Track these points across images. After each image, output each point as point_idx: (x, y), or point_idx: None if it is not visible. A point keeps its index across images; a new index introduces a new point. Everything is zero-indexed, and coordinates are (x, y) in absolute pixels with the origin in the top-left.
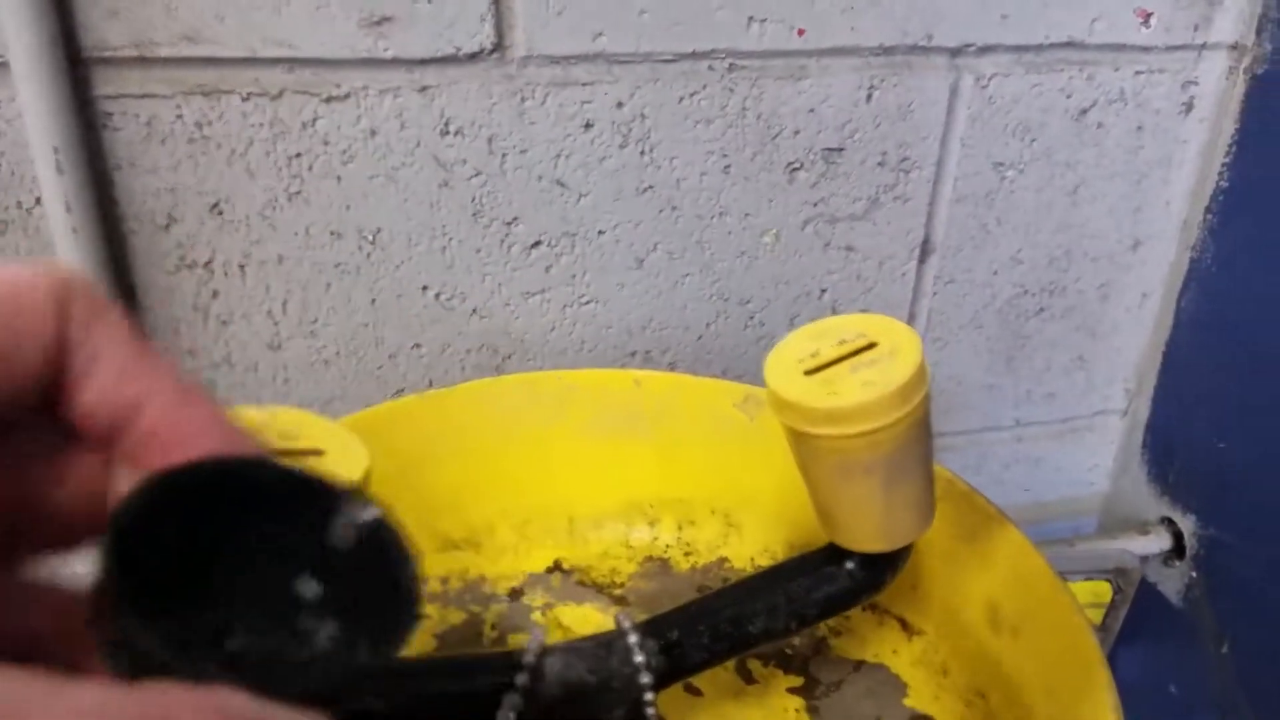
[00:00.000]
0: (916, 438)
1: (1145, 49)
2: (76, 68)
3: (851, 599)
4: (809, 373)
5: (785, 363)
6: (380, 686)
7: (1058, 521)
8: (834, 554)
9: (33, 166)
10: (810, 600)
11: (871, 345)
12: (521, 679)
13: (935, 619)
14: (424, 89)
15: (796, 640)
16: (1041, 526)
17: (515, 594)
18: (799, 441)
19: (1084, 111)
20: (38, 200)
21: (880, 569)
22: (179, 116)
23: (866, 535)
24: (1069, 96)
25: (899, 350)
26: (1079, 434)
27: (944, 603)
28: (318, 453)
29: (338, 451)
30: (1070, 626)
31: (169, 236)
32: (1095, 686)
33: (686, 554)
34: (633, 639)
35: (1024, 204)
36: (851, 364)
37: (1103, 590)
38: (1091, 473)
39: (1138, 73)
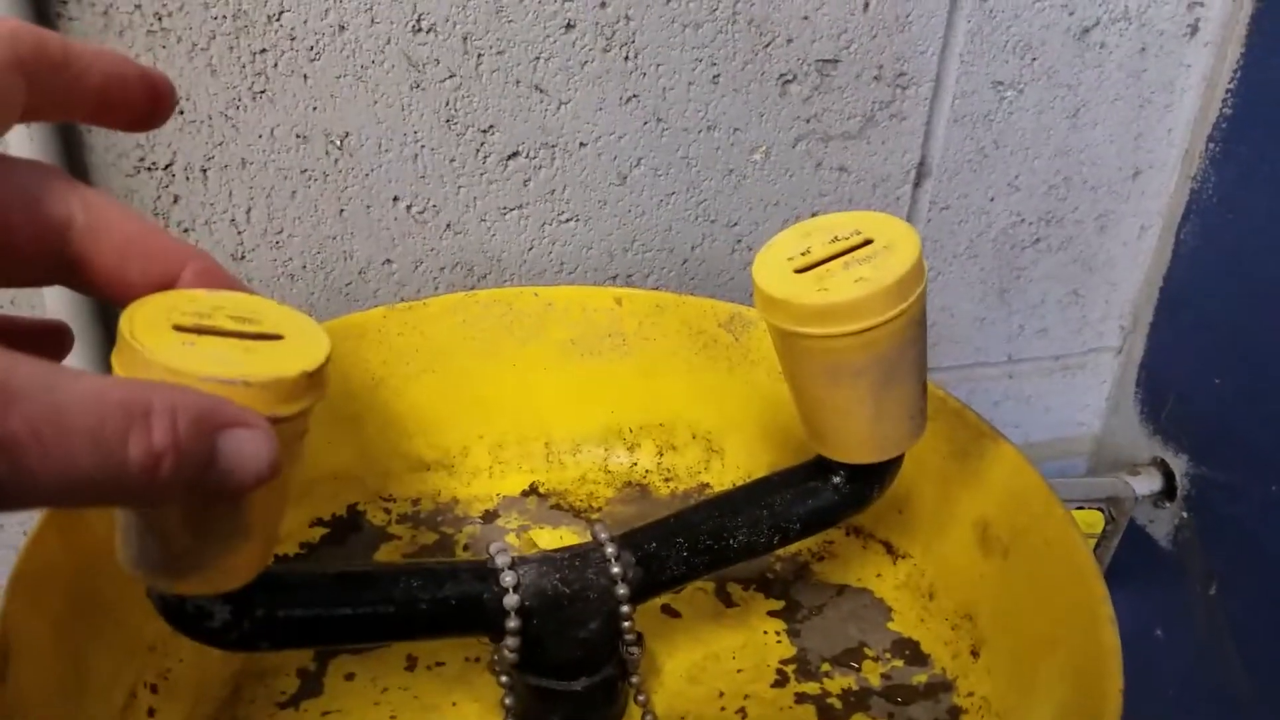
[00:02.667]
0: (911, 339)
1: None
2: None
3: (837, 514)
4: (800, 271)
5: (775, 261)
6: (347, 594)
7: (1046, 462)
8: (820, 467)
9: None
10: (793, 514)
11: (867, 242)
12: (492, 589)
13: (922, 542)
14: None
15: (777, 565)
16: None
17: (489, 516)
18: (787, 343)
19: (1086, 30)
20: None
21: (868, 482)
22: (137, 6)
23: (855, 444)
24: (1071, 14)
25: (895, 245)
26: (1071, 372)
27: (932, 524)
28: (277, 337)
29: (297, 337)
30: (1065, 541)
31: (127, 136)
32: (1093, 600)
33: (666, 479)
34: (609, 550)
35: (1023, 126)
36: (845, 261)
37: (1094, 520)
38: (1083, 412)
39: None
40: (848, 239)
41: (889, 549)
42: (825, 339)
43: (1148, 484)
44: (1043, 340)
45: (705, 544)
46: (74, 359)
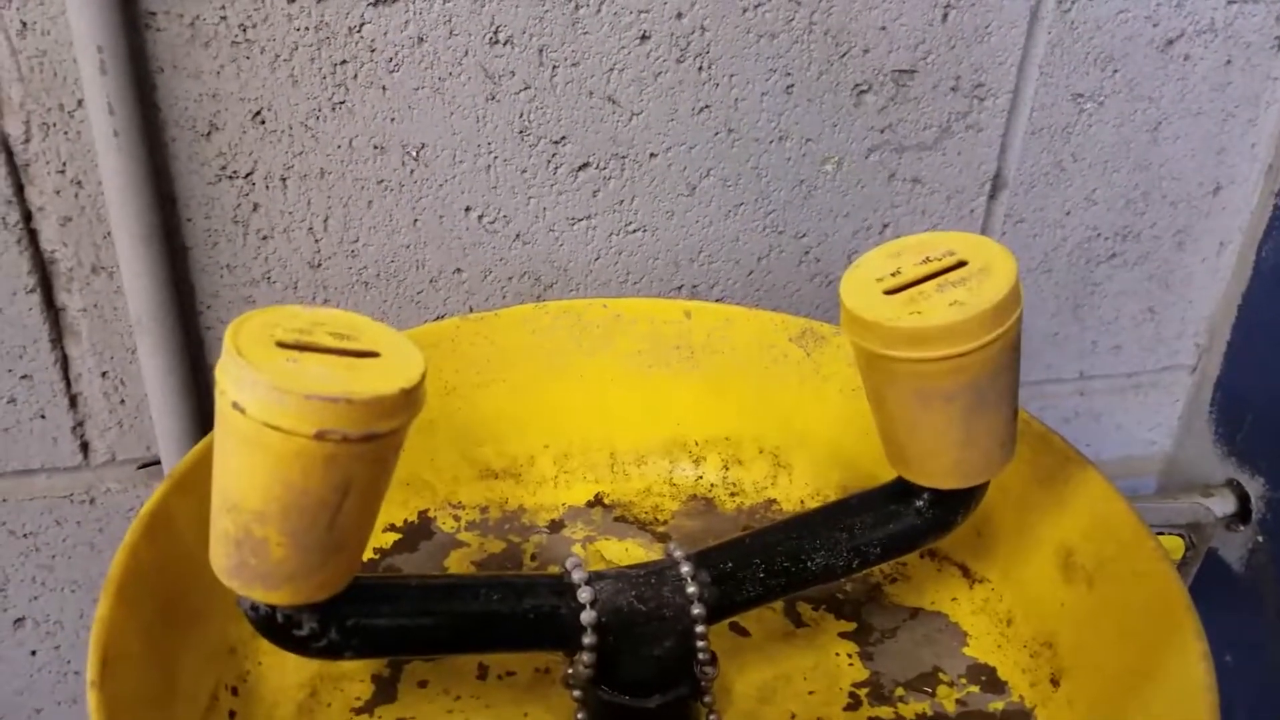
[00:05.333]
0: (1004, 365)
1: None
2: None
3: (919, 539)
4: (890, 292)
5: (863, 281)
6: (428, 605)
7: (1116, 481)
8: (902, 490)
9: (75, 67)
10: (874, 538)
11: (961, 264)
12: (569, 604)
13: (1000, 566)
14: None
15: (849, 586)
16: None
17: (555, 526)
18: (874, 366)
19: (1170, 42)
20: (79, 103)
21: (952, 507)
22: (223, 18)
23: (941, 469)
24: (1155, 25)
25: (991, 268)
26: (1144, 390)
27: (1011, 549)
28: (374, 354)
29: (393, 353)
30: (1155, 573)
31: (210, 145)
32: (1183, 634)
33: (732, 494)
34: (685, 568)
35: (1102, 139)
36: (938, 283)
37: (1175, 546)
38: (1154, 431)
39: (1230, 2)
40: (940, 260)
41: (965, 572)
42: (917, 363)
43: (1221, 506)
44: (1116, 357)
45: (782, 565)
46: (155, 357)
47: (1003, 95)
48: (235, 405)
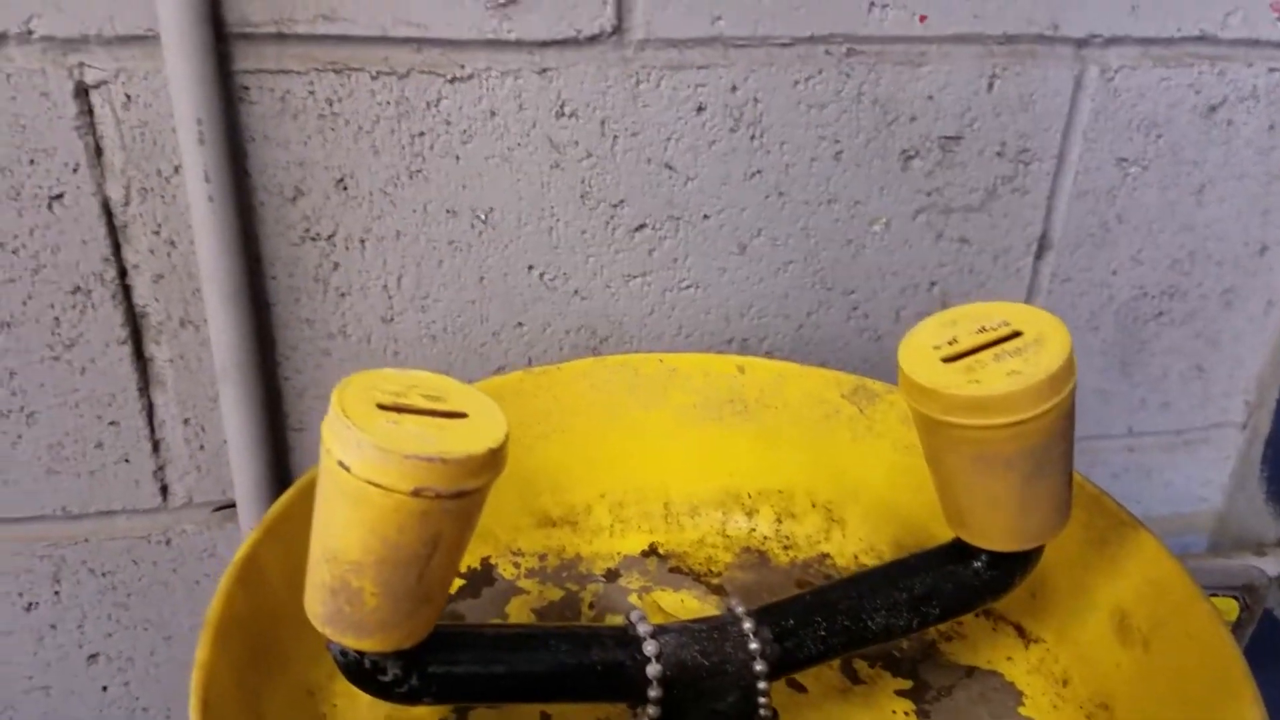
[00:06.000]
0: (1061, 432)
1: None
2: (220, 43)
3: (976, 599)
4: (947, 360)
5: (920, 349)
6: (502, 654)
7: (1166, 539)
8: (961, 551)
9: (174, 136)
10: (932, 598)
11: (1016, 334)
12: (634, 656)
13: (1055, 626)
14: (543, 71)
15: (904, 643)
16: None
17: (611, 575)
18: (933, 431)
19: (1213, 108)
20: (176, 169)
21: (1010, 569)
22: (311, 93)
23: (999, 532)
24: (1198, 92)
25: (1046, 339)
26: (1193, 446)
27: (1066, 610)
28: (462, 415)
29: (479, 414)
30: (1210, 637)
31: (296, 209)
32: (1239, 701)
33: (785, 547)
34: (747, 624)
35: (1147, 202)
36: (994, 352)
37: (1229, 608)
38: (1205, 488)
39: (1272, 69)
40: (996, 330)
41: (1021, 632)
42: (976, 429)
43: (1275, 566)
44: (1164, 414)
45: (843, 624)
46: (236, 405)
47: (1048, 160)
48: (340, 463)
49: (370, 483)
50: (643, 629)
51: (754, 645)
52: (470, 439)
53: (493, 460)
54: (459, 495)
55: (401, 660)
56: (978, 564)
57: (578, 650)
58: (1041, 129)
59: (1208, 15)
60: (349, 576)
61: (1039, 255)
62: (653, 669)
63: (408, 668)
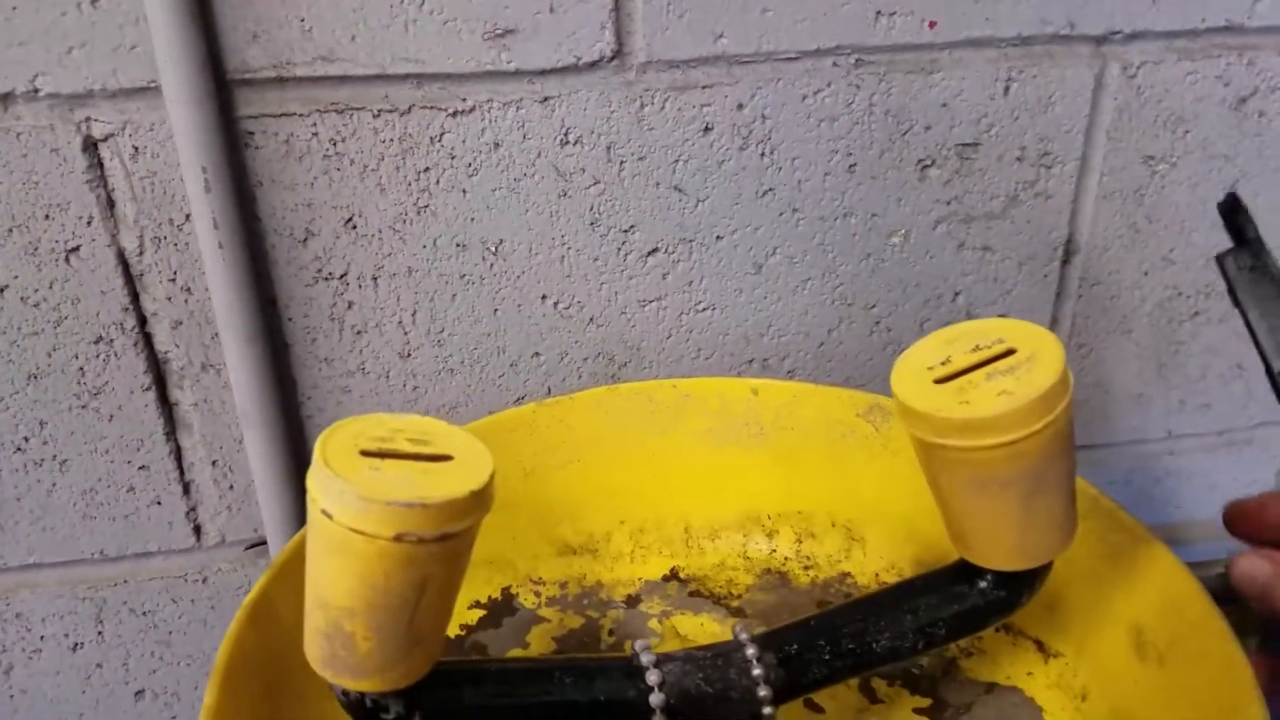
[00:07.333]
0: (1058, 450)
1: None
2: (221, 90)
3: (983, 619)
4: (940, 381)
5: (914, 370)
6: (505, 690)
7: (1212, 541)
8: (965, 571)
9: (182, 185)
10: (938, 619)
11: (1009, 352)
12: (638, 687)
13: (1075, 641)
14: (545, 99)
15: (924, 660)
16: (1194, 547)
17: (632, 601)
18: (929, 453)
19: (1243, 100)
20: (187, 217)
21: (1016, 588)
22: (315, 134)
23: (1002, 552)
24: (1226, 84)
25: (1039, 356)
26: (1237, 447)
27: (1085, 625)
28: (448, 458)
29: (464, 455)
30: (1223, 656)
31: (307, 250)
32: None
33: (806, 567)
34: (750, 651)
35: (1176, 200)
36: (987, 371)
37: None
38: (1251, 488)
39: None
40: (990, 348)
41: (1040, 647)
42: (969, 451)
43: None
44: (1205, 415)
45: (848, 647)
46: (260, 446)
47: (1070, 162)
48: (324, 512)
49: (353, 530)
50: (646, 659)
51: (757, 671)
52: (453, 482)
53: (476, 502)
54: (443, 538)
55: (403, 699)
56: (983, 584)
57: (582, 682)
58: (1063, 131)
59: (1234, 3)
60: (341, 621)
61: (1066, 260)
62: (656, 698)
63: (410, 706)
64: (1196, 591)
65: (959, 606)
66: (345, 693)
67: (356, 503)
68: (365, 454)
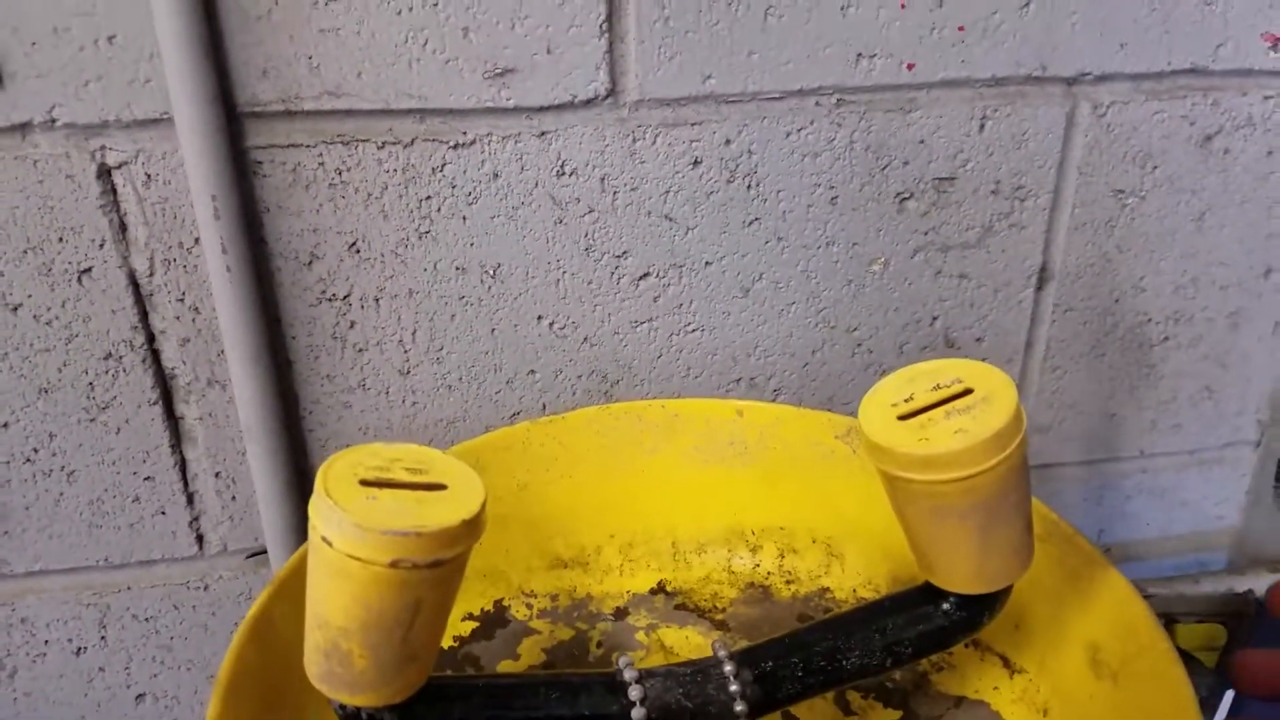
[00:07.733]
0: (1012, 484)
1: (1275, 73)
2: (231, 122)
3: (947, 638)
4: (903, 417)
5: (880, 406)
6: (495, 705)
7: (1184, 556)
8: (930, 593)
9: (192, 211)
10: (905, 639)
11: (967, 391)
12: (621, 702)
13: (1037, 658)
14: (543, 134)
15: (897, 674)
16: (1166, 561)
17: (620, 613)
18: (893, 485)
19: (1209, 138)
20: (196, 241)
21: (977, 610)
22: (321, 164)
23: (962, 577)
24: (1192, 123)
25: (993, 397)
26: (1207, 466)
27: (1046, 642)
28: (442, 486)
29: (458, 484)
30: (1168, 676)
31: (311, 273)
32: None
33: (788, 582)
34: (728, 667)
35: (1145, 231)
36: (946, 410)
37: (1215, 634)
38: (1220, 506)
39: (1267, 97)
40: (949, 387)
41: (1006, 662)
42: (929, 484)
43: None
44: (1177, 435)
45: (820, 664)
46: (263, 459)
47: (1043, 195)
48: (324, 539)
49: (351, 556)
50: (628, 674)
51: (734, 687)
52: (446, 511)
53: (468, 530)
54: (436, 564)
55: (397, 712)
56: (946, 605)
57: (567, 697)
58: (1035, 166)
59: (1198, 48)
60: (338, 640)
61: (1040, 287)
62: (638, 713)
63: (404, 719)
64: (1145, 614)
65: (924, 626)
66: (342, 707)
67: (354, 531)
68: (364, 483)
